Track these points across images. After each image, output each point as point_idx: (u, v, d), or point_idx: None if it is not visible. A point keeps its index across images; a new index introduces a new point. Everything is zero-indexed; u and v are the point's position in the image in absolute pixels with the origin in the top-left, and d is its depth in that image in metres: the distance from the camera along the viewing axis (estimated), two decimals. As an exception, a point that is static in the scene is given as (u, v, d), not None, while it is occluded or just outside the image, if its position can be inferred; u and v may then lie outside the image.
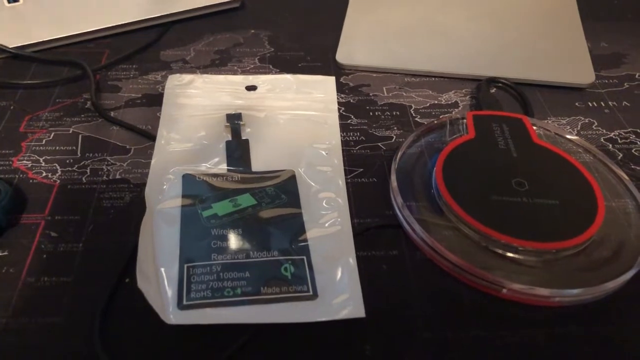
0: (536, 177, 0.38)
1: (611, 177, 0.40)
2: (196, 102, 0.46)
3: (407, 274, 0.35)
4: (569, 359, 0.31)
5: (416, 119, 0.47)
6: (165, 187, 0.39)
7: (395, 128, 0.46)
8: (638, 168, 0.43)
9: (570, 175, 0.39)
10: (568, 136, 0.43)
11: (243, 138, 0.43)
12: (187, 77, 0.48)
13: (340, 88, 0.50)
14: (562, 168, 0.39)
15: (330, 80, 0.49)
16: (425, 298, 0.34)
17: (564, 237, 0.34)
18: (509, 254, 0.34)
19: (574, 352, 0.31)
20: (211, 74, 0.51)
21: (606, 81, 0.52)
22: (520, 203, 0.36)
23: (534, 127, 0.43)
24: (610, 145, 0.45)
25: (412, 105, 0.48)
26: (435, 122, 0.44)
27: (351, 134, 0.45)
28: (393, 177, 0.39)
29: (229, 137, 0.43)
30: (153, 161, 0.41)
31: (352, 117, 0.47)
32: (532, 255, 0.34)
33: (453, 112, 0.47)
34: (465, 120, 0.43)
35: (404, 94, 0.50)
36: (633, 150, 0.44)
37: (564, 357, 0.31)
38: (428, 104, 0.48)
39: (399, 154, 0.41)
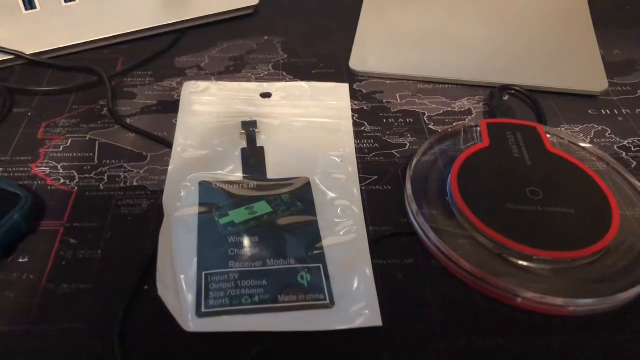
0: (550, 186, 0.38)
1: (625, 186, 0.40)
2: (211, 109, 0.46)
3: (422, 283, 0.35)
4: (585, 369, 0.31)
5: (430, 126, 0.47)
6: (182, 194, 0.39)
7: (409, 135, 0.46)
8: (652, 176, 0.43)
9: (585, 184, 0.39)
10: (582, 144, 0.43)
11: (258, 145, 0.43)
12: (202, 84, 0.48)
13: (354, 95, 0.50)
14: (576, 177, 0.39)
15: (344, 88, 0.49)
16: (440, 306, 0.34)
17: (578, 246, 0.34)
18: (523, 263, 0.34)
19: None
20: (226, 80, 0.51)
21: (619, 88, 0.52)
22: (535, 212, 0.36)
23: (548, 135, 0.43)
24: (624, 154, 0.45)
25: (426, 113, 0.48)
26: (449, 130, 0.44)
27: (365, 141, 0.46)
28: (408, 185, 0.39)
29: (244, 145, 0.43)
30: (170, 168, 0.41)
31: (366, 124, 0.47)
32: (546, 264, 0.34)
33: (467, 120, 0.48)
34: (479, 128, 0.44)
35: (417, 101, 0.50)
36: (647, 159, 0.44)
37: (579, 366, 0.31)
38: (441, 111, 0.49)
39: (414, 161, 0.41)
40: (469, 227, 0.36)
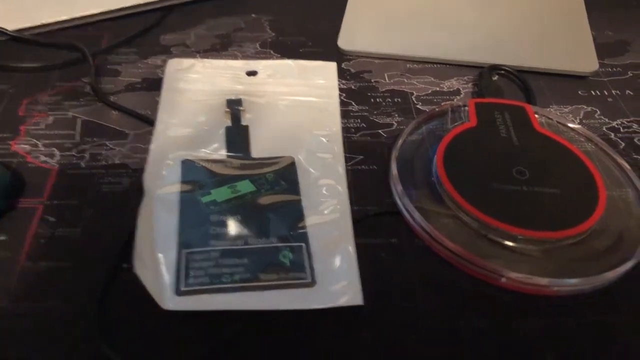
0: (537, 166, 0.38)
1: (613, 167, 0.40)
2: (196, 87, 0.45)
3: (406, 262, 0.35)
4: (568, 348, 0.31)
5: (417, 106, 0.46)
6: (164, 172, 0.38)
7: (396, 115, 0.45)
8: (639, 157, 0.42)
9: (572, 164, 0.38)
10: (570, 125, 0.43)
11: (243, 124, 0.43)
12: (187, 62, 0.48)
13: (342, 74, 0.50)
14: (564, 157, 0.39)
15: (332, 66, 0.48)
16: (423, 286, 0.33)
17: (564, 226, 0.34)
18: (509, 243, 0.34)
19: (573, 342, 0.31)
20: (212, 58, 0.50)
21: (610, 69, 0.51)
22: (521, 192, 0.36)
23: (536, 116, 0.43)
24: (613, 135, 0.44)
25: (414, 92, 0.48)
26: (437, 109, 0.44)
27: (352, 120, 0.45)
28: (393, 165, 0.38)
29: (229, 123, 0.43)
30: (152, 146, 0.40)
31: (353, 103, 0.47)
32: (531, 244, 0.34)
33: (455, 100, 0.47)
34: (466, 108, 0.43)
35: (406, 80, 0.49)
36: (636, 140, 0.44)
37: (562, 346, 0.31)
38: (430, 91, 0.48)
39: (400, 141, 0.40)
40: (454, 207, 0.36)
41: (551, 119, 0.44)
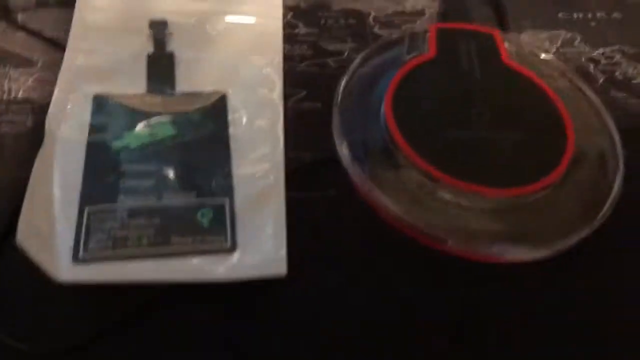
0: (500, 107, 0.33)
1: (587, 108, 0.35)
2: (114, 4, 0.39)
3: (342, 221, 0.31)
4: (521, 318, 0.28)
5: (375, 29, 0.40)
6: (69, 110, 0.33)
7: (349, 40, 0.40)
8: (619, 95, 0.37)
9: (539, 105, 0.34)
10: (543, 56, 0.38)
11: (168, 51, 0.37)
12: (105, -28, 0.40)
13: (290, -12, 0.43)
14: (531, 96, 0.34)
15: (274, -22, 0.41)
16: (360, 249, 0.30)
17: (520, 182, 0.30)
18: (458, 201, 0.30)
19: (526, 311, 0.28)
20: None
21: (597, -14, 0.45)
22: (477, 139, 0.32)
23: (506, 44, 0.37)
24: (592, 66, 0.39)
25: (372, 12, 0.42)
26: (393, 36, 0.38)
27: (297, 46, 0.39)
28: (335, 108, 0.33)
29: (152, 50, 0.37)
30: (59, 78, 0.35)
31: (300, 24, 0.40)
32: (483, 202, 0.30)
33: (417, 23, 0.41)
34: (427, 35, 0.37)
35: (363, -3, 0.43)
36: (616, 74, 0.39)
37: (514, 316, 0.28)
38: (390, 11, 0.42)
39: (346, 77, 0.35)
40: (402, 159, 0.31)
41: (523, 48, 0.38)
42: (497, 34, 0.37)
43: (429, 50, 0.36)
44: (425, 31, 0.38)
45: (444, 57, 0.36)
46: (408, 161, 0.31)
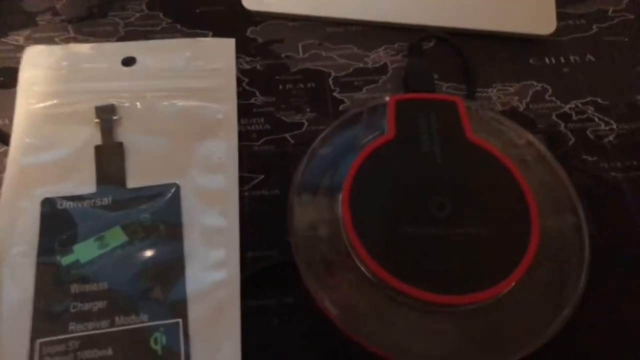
0: (462, 195, 0.32)
1: (553, 183, 0.34)
2: (58, 87, 0.37)
3: (300, 330, 0.30)
4: None
5: (335, 93, 0.39)
6: (18, 221, 0.32)
7: (308, 109, 0.38)
8: (589, 159, 0.36)
9: (505, 187, 0.32)
10: (509, 125, 0.36)
11: (116, 140, 0.35)
12: (46, 50, 0.38)
13: (246, 47, 0.41)
14: (495, 180, 0.33)
15: (229, 45, 0.39)
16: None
17: (476, 286, 0.29)
18: (411, 309, 0.29)
19: None
20: (86, 28, 0.41)
21: (572, 22, 0.42)
22: (437, 237, 0.30)
23: (469, 111, 0.35)
24: (563, 125, 0.38)
25: (332, 73, 0.40)
26: (352, 113, 0.36)
27: (254, 120, 0.37)
28: (292, 198, 0.32)
29: (100, 141, 0.35)
30: (4, 184, 0.33)
31: (257, 93, 0.39)
32: (437, 312, 0.29)
33: (380, 82, 0.39)
34: (387, 109, 0.35)
35: (324, 53, 0.41)
36: (588, 132, 0.37)
37: None
38: (351, 69, 0.40)
39: (302, 166, 0.33)
40: (358, 261, 0.30)
41: (486, 117, 0.36)
42: (460, 101, 0.35)
43: (388, 129, 0.34)
44: (384, 104, 0.36)
45: (403, 137, 0.34)
46: (363, 264, 0.30)
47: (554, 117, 0.38)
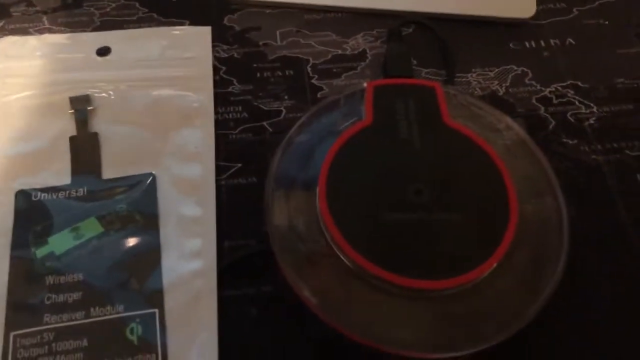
0: (440, 180, 0.32)
1: (533, 165, 0.33)
2: (32, 79, 0.36)
3: (278, 319, 0.30)
4: None
5: (313, 80, 0.38)
6: (-8, 215, 0.32)
7: (286, 97, 0.38)
8: (570, 142, 0.36)
9: (484, 172, 0.32)
10: (486, 109, 0.35)
11: (91, 131, 0.35)
12: (20, 41, 0.38)
13: (223, 35, 0.40)
14: (474, 165, 0.32)
15: (205, 33, 0.39)
16: (298, 352, 0.29)
17: (454, 271, 0.29)
18: (389, 295, 0.29)
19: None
20: (62, 19, 0.40)
21: (551, 5, 0.42)
22: (415, 222, 0.30)
23: (448, 96, 0.35)
24: (543, 109, 0.37)
25: (310, 60, 0.39)
26: (329, 100, 0.35)
27: (231, 109, 0.37)
28: (268, 186, 0.32)
29: (74, 132, 0.35)
30: (-21, 175, 0.33)
31: (235, 81, 0.38)
32: (415, 297, 0.29)
33: (359, 68, 0.39)
34: (365, 95, 0.35)
35: (302, 40, 0.40)
36: (568, 115, 0.37)
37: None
38: (330, 56, 0.39)
39: (279, 153, 0.33)
40: (335, 247, 0.30)
41: (465, 102, 0.36)
42: (438, 87, 0.35)
43: (366, 115, 0.34)
44: (362, 90, 0.35)
45: (381, 123, 0.34)
46: (342, 252, 0.30)
47: (533, 101, 0.38)
